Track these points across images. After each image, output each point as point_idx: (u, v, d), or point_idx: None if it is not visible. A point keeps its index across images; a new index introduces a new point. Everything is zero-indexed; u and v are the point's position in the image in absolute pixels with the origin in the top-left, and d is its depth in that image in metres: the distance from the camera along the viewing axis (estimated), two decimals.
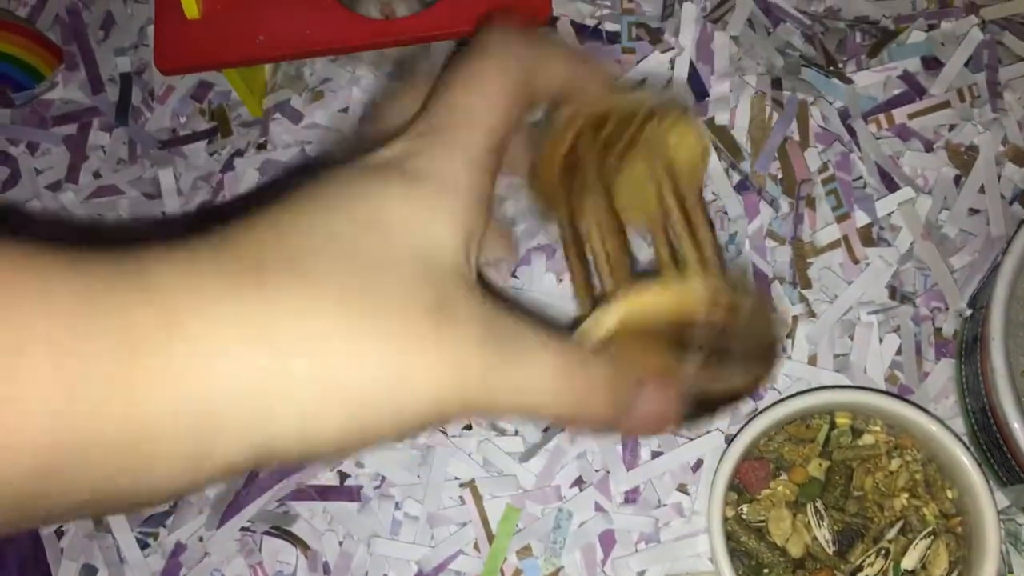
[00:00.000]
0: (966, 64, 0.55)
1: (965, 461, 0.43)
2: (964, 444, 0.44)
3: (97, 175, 0.57)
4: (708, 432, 0.48)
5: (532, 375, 0.23)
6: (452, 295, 0.22)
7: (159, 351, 0.18)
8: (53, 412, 0.17)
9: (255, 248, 0.21)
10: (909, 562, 0.44)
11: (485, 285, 0.23)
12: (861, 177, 0.53)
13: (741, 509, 0.45)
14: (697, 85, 0.55)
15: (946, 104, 0.54)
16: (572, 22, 0.57)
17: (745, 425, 0.45)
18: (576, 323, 0.27)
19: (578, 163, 0.29)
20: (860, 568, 0.44)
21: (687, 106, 0.30)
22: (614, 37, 0.56)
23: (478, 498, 0.48)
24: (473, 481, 0.48)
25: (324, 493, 0.49)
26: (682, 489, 0.48)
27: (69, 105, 0.59)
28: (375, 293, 0.21)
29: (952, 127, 0.54)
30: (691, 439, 0.48)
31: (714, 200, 0.53)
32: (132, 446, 0.18)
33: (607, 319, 0.26)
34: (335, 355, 0.20)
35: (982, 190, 0.52)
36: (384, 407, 0.21)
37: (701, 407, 0.29)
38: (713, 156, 0.53)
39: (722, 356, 0.27)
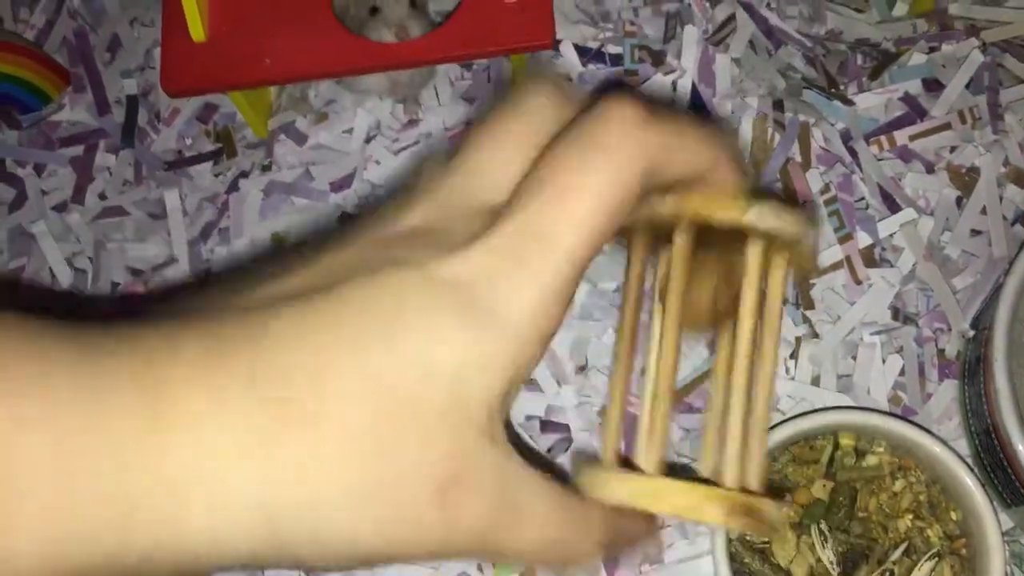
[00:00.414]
0: (967, 86, 0.55)
1: (969, 482, 0.43)
2: (968, 465, 0.44)
3: (103, 196, 0.58)
4: None
5: (528, 536, 0.22)
6: (473, 458, 0.21)
7: (149, 459, 0.18)
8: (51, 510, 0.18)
9: (276, 356, 0.20)
10: None
11: (507, 426, 0.22)
12: (863, 198, 0.53)
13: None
14: (699, 107, 0.55)
15: (947, 126, 0.54)
16: (575, 45, 0.57)
17: None
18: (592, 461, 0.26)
19: (669, 236, 0.26)
20: None
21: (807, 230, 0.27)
22: (617, 60, 0.57)
23: None
24: None
25: None
26: None
27: (76, 127, 0.59)
28: (391, 451, 0.20)
29: (953, 148, 0.54)
30: (694, 460, 0.48)
31: None
32: (118, 551, 0.18)
33: (618, 494, 0.25)
34: (330, 510, 0.20)
35: (984, 211, 0.52)
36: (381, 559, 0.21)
37: None
38: None
39: None
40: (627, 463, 0.26)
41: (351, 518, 0.20)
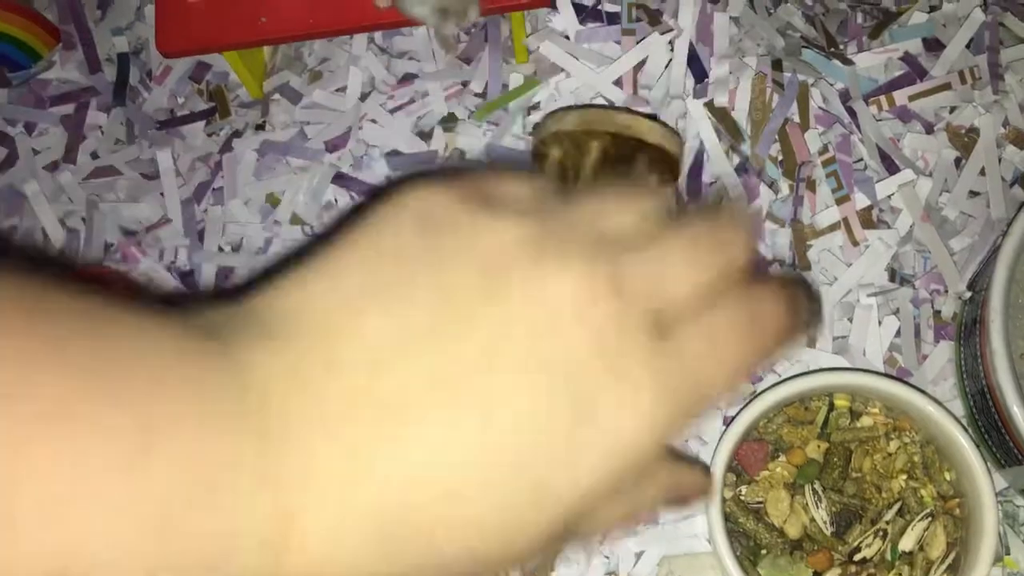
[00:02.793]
0: (967, 46, 0.55)
1: (963, 443, 0.44)
2: (962, 426, 0.44)
3: (95, 155, 0.57)
4: (707, 413, 0.48)
5: None
6: None
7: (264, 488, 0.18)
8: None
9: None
10: (907, 543, 0.44)
11: None
12: (861, 159, 0.53)
13: (739, 490, 0.46)
14: (697, 67, 0.55)
15: (947, 86, 0.54)
16: (573, 3, 0.56)
17: (744, 407, 0.45)
18: None
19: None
20: (858, 549, 0.44)
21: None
22: (614, 18, 0.56)
23: None
24: None
25: None
26: None
27: (67, 85, 0.59)
28: None
29: (953, 109, 0.54)
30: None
31: (714, 182, 0.53)
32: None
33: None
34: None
35: (982, 172, 0.52)
36: None
37: None
38: (713, 138, 0.53)
39: None
40: None
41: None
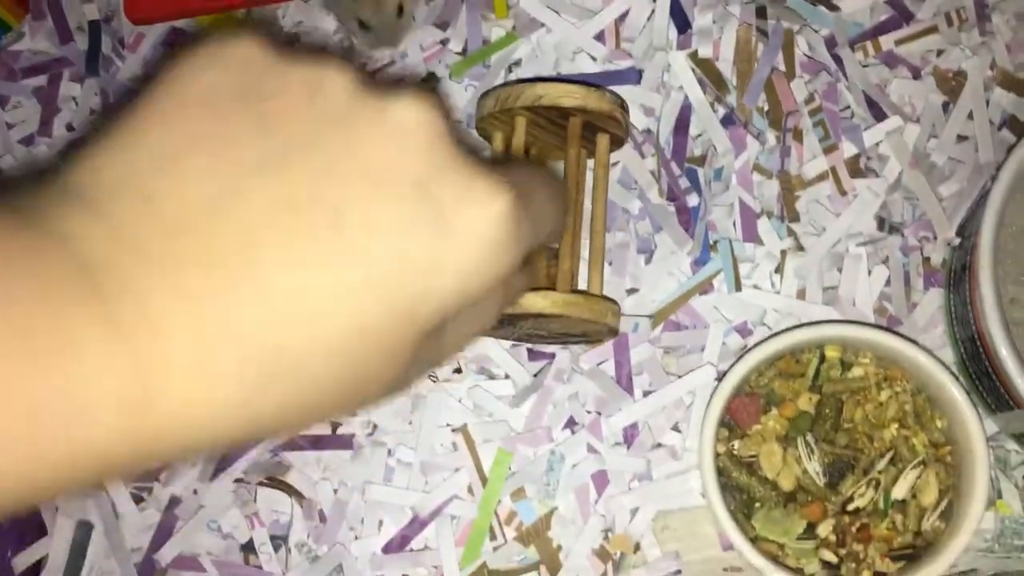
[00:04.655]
0: None
1: (953, 390, 0.44)
2: (953, 374, 0.44)
3: (70, 127, 0.56)
4: (699, 368, 0.48)
5: None
6: None
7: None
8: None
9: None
10: (899, 492, 0.44)
11: None
12: (848, 107, 0.52)
13: (732, 445, 0.46)
14: (680, 17, 0.54)
15: (933, 29, 0.53)
16: None
17: (735, 361, 0.45)
18: None
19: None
20: (851, 499, 0.44)
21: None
22: None
23: (470, 443, 0.48)
24: (465, 426, 0.48)
25: (316, 442, 0.49)
26: (674, 427, 0.48)
27: (38, 56, 0.57)
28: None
29: (940, 52, 0.53)
30: (680, 377, 0.48)
31: (700, 135, 0.52)
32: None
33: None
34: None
35: (971, 116, 0.52)
36: None
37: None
38: (698, 90, 0.52)
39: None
40: None
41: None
